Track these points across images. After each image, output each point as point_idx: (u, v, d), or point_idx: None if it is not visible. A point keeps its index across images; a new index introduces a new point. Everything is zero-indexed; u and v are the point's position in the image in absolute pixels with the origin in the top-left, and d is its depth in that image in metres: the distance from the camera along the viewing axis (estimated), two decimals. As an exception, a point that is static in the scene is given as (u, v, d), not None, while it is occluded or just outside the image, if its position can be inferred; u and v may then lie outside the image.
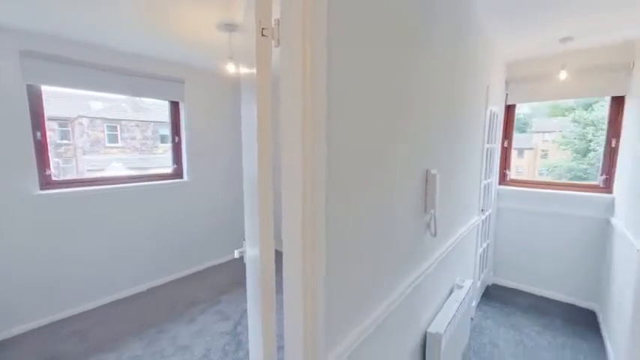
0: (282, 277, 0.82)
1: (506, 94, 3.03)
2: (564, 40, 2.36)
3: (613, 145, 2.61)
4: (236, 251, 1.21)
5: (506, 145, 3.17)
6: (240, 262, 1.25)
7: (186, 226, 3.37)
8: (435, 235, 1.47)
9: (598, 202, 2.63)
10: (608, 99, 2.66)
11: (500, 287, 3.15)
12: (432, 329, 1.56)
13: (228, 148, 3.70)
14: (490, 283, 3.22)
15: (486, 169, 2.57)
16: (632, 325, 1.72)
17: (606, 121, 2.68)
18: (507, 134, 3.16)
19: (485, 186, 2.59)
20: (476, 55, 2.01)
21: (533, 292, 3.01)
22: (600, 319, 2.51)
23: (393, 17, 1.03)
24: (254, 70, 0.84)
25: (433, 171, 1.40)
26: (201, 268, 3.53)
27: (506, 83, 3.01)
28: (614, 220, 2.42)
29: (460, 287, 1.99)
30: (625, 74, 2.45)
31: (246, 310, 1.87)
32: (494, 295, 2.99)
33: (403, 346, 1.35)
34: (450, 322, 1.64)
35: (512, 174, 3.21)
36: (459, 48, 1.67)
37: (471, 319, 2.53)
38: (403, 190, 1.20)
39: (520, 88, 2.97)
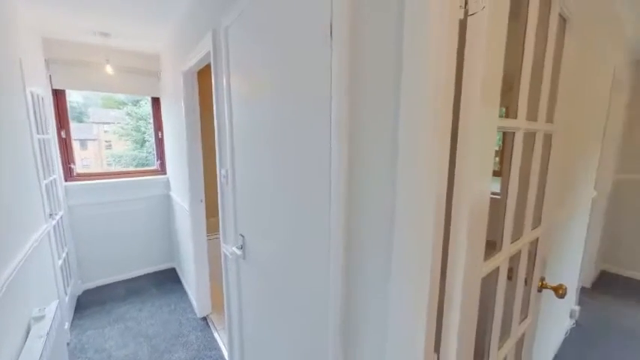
0: None
1: (50, 76, 2.60)
2: (103, 34, 2.45)
3: (160, 137, 3.30)
4: None
5: (64, 135, 2.78)
6: None
7: None
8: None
9: (159, 182, 3.24)
10: (149, 98, 3.24)
11: (93, 290, 2.91)
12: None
13: None
14: (81, 293, 2.86)
15: (44, 165, 2.10)
16: (194, 263, 2.43)
17: (152, 116, 3.29)
18: (63, 124, 2.78)
19: (47, 185, 2.12)
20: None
21: (125, 278, 3.13)
22: (178, 271, 3.25)
23: None
24: None
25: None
26: None
27: (47, 63, 2.57)
28: (171, 194, 3.14)
29: (41, 318, 1.56)
30: (157, 80, 3.12)
31: None
32: (88, 303, 2.70)
33: None
34: (35, 370, 1.24)
35: (78, 168, 2.93)
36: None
37: (68, 344, 2.11)
38: None
39: (66, 72, 2.67)
